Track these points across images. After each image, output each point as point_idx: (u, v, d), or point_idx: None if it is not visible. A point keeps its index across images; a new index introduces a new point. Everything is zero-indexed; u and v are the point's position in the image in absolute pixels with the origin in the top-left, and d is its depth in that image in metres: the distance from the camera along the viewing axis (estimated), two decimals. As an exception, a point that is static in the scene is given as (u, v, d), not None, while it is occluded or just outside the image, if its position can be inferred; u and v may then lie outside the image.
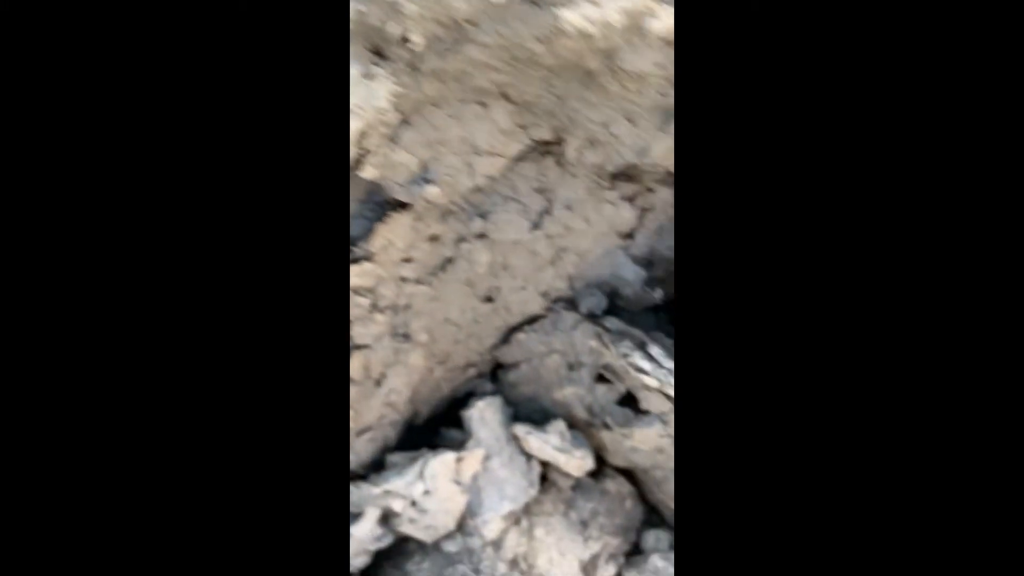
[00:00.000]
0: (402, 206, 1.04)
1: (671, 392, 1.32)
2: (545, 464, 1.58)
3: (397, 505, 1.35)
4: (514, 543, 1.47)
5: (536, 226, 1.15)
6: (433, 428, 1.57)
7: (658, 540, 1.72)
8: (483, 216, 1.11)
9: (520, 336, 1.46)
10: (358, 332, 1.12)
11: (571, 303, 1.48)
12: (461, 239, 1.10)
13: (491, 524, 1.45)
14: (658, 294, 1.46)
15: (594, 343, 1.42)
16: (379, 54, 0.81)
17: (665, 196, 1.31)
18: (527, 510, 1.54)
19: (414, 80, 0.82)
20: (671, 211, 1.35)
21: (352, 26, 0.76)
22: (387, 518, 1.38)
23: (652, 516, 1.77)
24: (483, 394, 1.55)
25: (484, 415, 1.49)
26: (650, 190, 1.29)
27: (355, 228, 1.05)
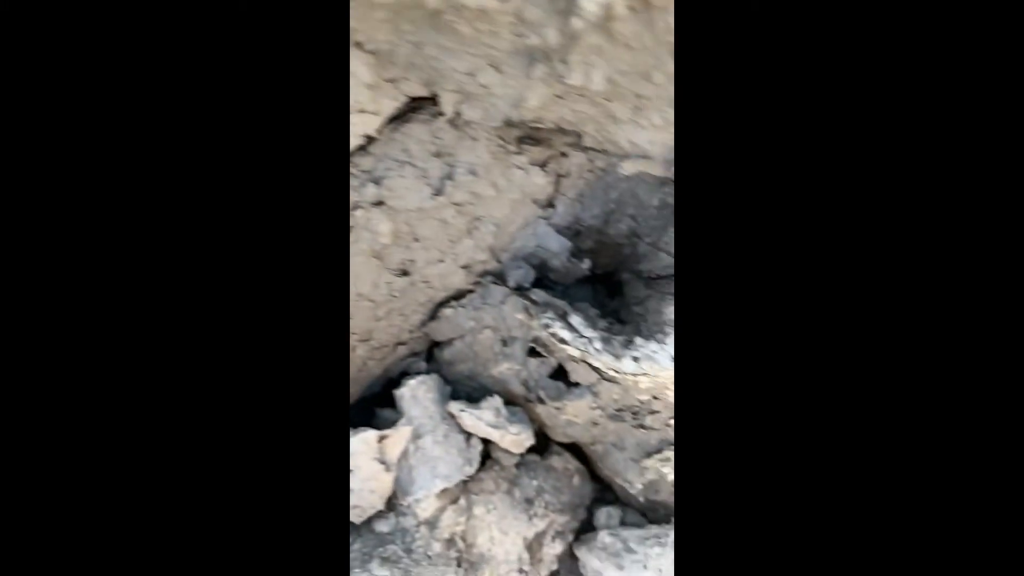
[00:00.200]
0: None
1: (593, 362, 1.30)
2: (489, 442, 1.56)
3: (320, 485, 1.34)
4: (451, 522, 1.45)
5: (438, 192, 1.13)
6: (368, 409, 1.56)
7: (609, 517, 1.69)
8: (376, 182, 1.09)
9: (447, 312, 1.44)
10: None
11: (499, 277, 1.46)
12: (355, 206, 1.08)
13: (424, 503, 1.43)
14: (586, 264, 1.44)
15: (522, 316, 1.40)
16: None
17: (579, 161, 1.28)
18: (466, 488, 1.52)
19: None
20: (588, 176, 1.33)
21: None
22: (312, 499, 1.36)
23: (606, 493, 1.75)
24: (417, 373, 1.53)
25: (416, 393, 1.47)
26: (563, 155, 1.27)
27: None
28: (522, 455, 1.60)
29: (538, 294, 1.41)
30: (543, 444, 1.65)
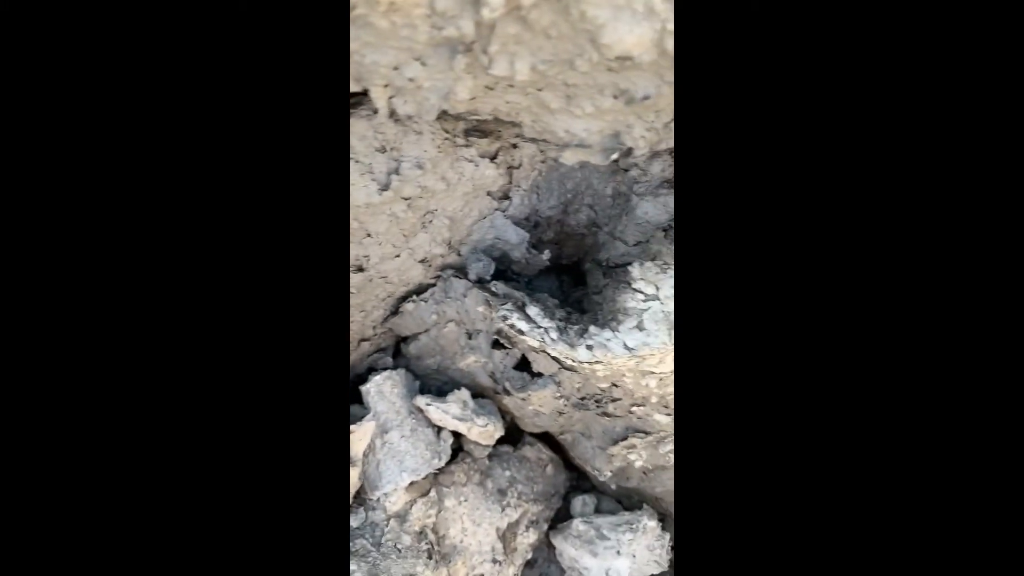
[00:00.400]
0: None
1: (551, 352, 1.30)
2: (461, 435, 1.56)
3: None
4: (421, 515, 1.46)
5: (385, 187, 1.14)
6: (337, 406, 1.56)
7: (584, 505, 1.70)
8: (319, 180, 1.09)
9: (409, 306, 1.45)
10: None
11: (460, 270, 1.46)
12: (299, 204, 1.08)
13: (392, 497, 1.44)
14: (546, 255, 1.44)
15: (483, 309, 1.41)
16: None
17: (530, 152, 1.28)
18: (436, 481, 1.52)
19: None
20: (541, 167, 1.33)
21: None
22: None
23: (583, 481, 1.75)
24: (384, 369, 1.54)
25: (382, 389, 1.48)
26: (514, 146, 1.27)
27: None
28: (494, 446, 1.61)
29: (498, 286, 1.41)
30: (517, 435, 1.66)
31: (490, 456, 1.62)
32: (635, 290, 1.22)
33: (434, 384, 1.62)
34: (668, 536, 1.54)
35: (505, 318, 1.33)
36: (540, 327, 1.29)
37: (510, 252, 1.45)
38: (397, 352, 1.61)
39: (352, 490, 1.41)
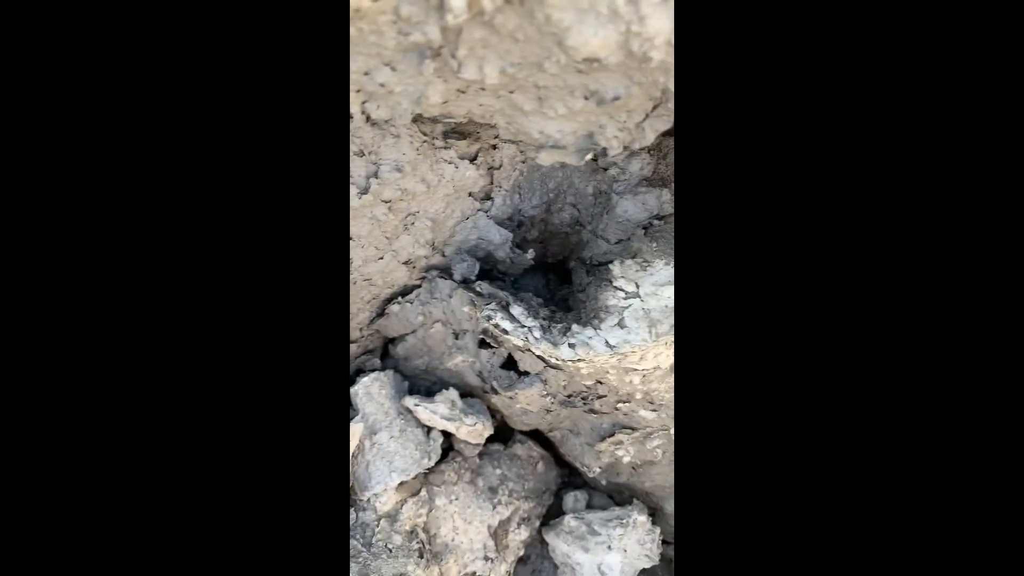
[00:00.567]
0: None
1: (535, 350, 1.31)
2: (451, 434, 1.57)
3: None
4: (411, 514, 1.47)
5: (364, 191, 1.14)
6: (326, 408, 1.57)
7: (576, 501, 1.71)
8: (297, 185, 1.10)
9: (394, 308, 1.45)
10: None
11: (445, 271, 1.47)
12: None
13: (382, 497, 1.45)
14: (530, 254, 1.45)
15: (468, 309, 1.42)
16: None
17: (510, 153, 1.29)
18: (427, 480, 1.54)
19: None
20: (521, 167, 1.33)
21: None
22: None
23: (574, 478, 1.76)
24: (372, 370, 1.55)
25: (370, 390, 1.49)
26: (493, 147, 1.28)
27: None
28: (485, 445, 1.62)
29: (483, 286, 1.42)
30: (507, 433, 1.67)
31: (481, 455, 1.63)
32: (616, 288, 1.22)
33: (423, 384, 1.63)
34: (658, 530, 1.55)
35: (489, 318, 1.34)
36: (524, 326, 1.30)
37: (494, 252, 1.46)
38: (385, 354, 1.62)
39: (342, 491, 1.42)
